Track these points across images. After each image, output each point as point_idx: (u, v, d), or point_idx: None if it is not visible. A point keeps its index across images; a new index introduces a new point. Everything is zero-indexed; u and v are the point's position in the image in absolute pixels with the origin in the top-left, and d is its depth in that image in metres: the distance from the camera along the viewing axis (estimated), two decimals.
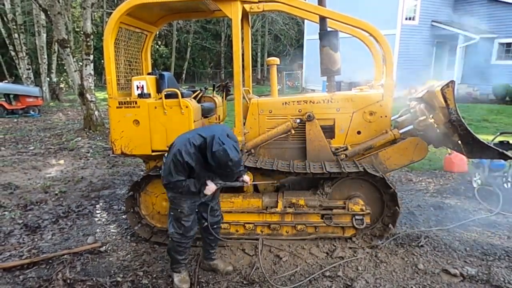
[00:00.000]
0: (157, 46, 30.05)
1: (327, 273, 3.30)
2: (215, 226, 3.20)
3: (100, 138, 9.54)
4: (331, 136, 3.93)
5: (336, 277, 3.24)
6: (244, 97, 3.85)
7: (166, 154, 2.92)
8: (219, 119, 4.60)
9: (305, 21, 17.42)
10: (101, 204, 5.14)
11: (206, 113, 4.14)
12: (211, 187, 2.84)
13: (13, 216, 4.71)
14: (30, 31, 21.35)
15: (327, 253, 3.62)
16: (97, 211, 4.90)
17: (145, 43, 4.55)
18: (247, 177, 3.08)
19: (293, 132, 3.87)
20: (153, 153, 3.78)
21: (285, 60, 30.69)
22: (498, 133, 5.47)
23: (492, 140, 5.17)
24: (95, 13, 23.05)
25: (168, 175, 2.75)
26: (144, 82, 3.75)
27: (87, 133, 10.01)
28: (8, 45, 18.06)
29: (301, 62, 24.22)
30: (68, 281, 3.22)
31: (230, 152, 2.53)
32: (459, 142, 3.43)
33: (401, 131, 3.82)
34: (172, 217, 2.99)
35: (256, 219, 3.79)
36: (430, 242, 3.77)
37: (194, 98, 4.12)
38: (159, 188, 3.93)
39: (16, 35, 16.61)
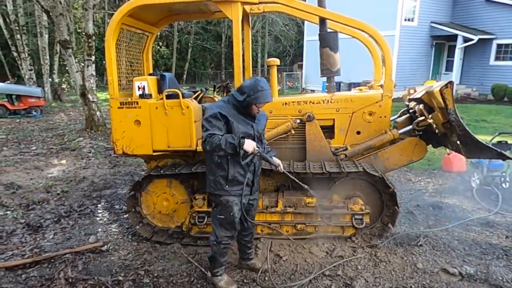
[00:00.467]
0: (158, 47, 30.11)
1: (327, 272, 3.32)
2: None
3: (102, 138, 9.58)
4: (331, 136, 3.96)
5: (336, 276, 3.26)
6: None
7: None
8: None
9: (305, 22, 17.46)
10: (102, 203, 5.18)
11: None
12: (249, 142, 2.73)
13: (15, 215, 4.74)
14: (32, 32, 21.43)
15: (326, 252, 3.64)
16: (99, 211, 4.93)
17: (146, 44, 4.59)
18: (278, 160, 3.06)
19: (293, 132, 3.90)
20: (154, 153, 3.81)
21: (285, 61, 30.76)
22: (497, 133, 5.51)
23: (491, 140, 5.21)
24: (97, 14, 23.12)
25: (205, 131, 2.70)
26: (146, 82, 3.78)
27: (89, 133, 10.05)
28: (11, 46, 18.13)
29: (301, 63, 24.27)
30: (70, 280, 3.24)
31: (255, 77, 2.82)
32: (458, 142, 3.45)
33: (400, 131, 3.85)
34: (223, 221, 2.95)
35: (257, 218, 3.80)
36: (429, 241, 3.80)
37: (195, 98, 4.16)
38: (160, 188, 3.97)
39: (18, 36, 16.67)
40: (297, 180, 3.23)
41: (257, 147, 2.81)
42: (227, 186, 2.86)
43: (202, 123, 2.77)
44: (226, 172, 2.83)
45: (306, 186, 3.24)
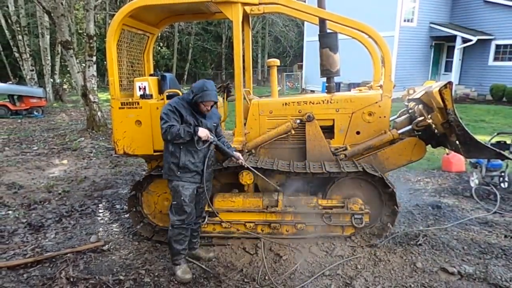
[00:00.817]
0: (159, 48, 30.15)
1: (327, 272, 3.34)
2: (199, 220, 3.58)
3: (103, 138, 9.61)
4: (331, 136, 3.97)
5: (336, 275, 3.28)
6: (244, 98, 3.90)
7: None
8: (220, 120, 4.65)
9: (305, 23, 17.46)
10: (103, 203, 5.20)
11: None
12: (202, 130, 3.08)
13: (17, 215, 4.77)
14: (34, 32, 21.49)
15: (326, 251, 3.66)
16: (100, 211, 4.96)
17: (147, 45, 4.61)
18: (239, 154, 3.43)
19: (293, 132, 3.92)
20: (155, 153, 3.83)
21: (285, 61, 30.79)
22: (495, 133, 5.54)
23: (490, 140, 5.24)
24: (98, 15, 23.15)
25: (164, 123, 3.00)
26: (146, 83, 3.80)
27: (90, 134, 10.09)
28: (12, 47, 18.21)
29: (301, 63, 24.30)
30: (71, 279, 3.26)
31: (201, 79, 3.20)
32: (457, 142, 3.46)
33: (399, 131, 3.86)
34: (175, 206, 3.22)
35: (257, 218, 3.83)
36: (428, 241, 3.80)
37: None
38: (161, 188, 3.99)
39: (20, 37, 16.73)
40: (260, 174, 3.53)
41: (211, 135, 3.15)
42: (179, 173, 3.15)
43: (160, 116, 3.07)
44: (178, 160, 3.12)
45: (269, 181, 3.62)
